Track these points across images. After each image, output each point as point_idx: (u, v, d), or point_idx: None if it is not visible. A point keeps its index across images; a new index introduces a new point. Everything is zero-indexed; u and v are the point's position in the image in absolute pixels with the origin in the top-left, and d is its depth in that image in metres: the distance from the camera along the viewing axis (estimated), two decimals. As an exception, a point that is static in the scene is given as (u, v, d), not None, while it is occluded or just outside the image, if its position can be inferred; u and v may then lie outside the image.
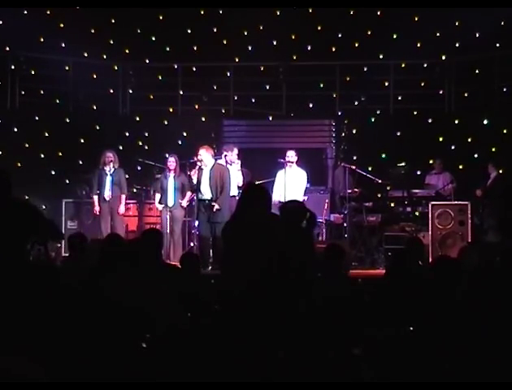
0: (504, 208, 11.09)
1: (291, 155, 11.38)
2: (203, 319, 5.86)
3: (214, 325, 5.66)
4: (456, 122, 13.60)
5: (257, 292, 5.28)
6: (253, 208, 5.65)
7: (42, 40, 13.81)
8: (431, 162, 12.85)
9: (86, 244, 7.18)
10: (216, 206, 10.32)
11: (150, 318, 5.33)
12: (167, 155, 11.62)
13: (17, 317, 4.79)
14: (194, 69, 14.42)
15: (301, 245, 6.40)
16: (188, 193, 11.28)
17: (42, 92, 13.81)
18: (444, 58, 13.99)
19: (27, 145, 13.40)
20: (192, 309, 5.94)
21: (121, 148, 13.05)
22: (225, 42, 14.51)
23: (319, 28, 14.36)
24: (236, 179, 11.14)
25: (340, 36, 14.46)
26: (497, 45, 13.60)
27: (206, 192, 10.59)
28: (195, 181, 10.65)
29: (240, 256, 5.57)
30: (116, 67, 14.31)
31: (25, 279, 5.13)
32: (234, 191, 10.99)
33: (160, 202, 11.31)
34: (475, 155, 13.21)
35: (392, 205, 12.23)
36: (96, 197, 11.39)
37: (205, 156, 10.62)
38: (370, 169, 12.49)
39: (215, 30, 14.51)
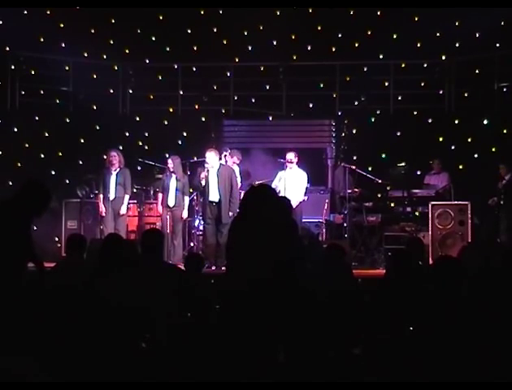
0: None
1: (290, 157, 11.39)
2: (205, 319, 5.86)
3: (215, 325, 5.66)
4: (456, 122, 13.59)
5: (259, 292, 5.27)
6: (263, 208, 5.60)
7: (42, 40, 13.80)
8: (431, 162, 12.85)
9: (85, 244, 7.18)
10: (231, 214, 10.38)
11: (150, 318, 5.33)
12: (167, 155, 11.67)
13: (18, 317, 4.80)
14: (194, 69, 14.42)
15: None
16: (186, 199, 11.24)
17: (42, 92, 13.81)
18: (444, 58, 13.98)
19: (27, 145, 13.39)
20: (193, 309, 5.94)
21: (121, 148, 13.03)
22: (225, 42, 14.50)
23: (319, 28, 14.35)
24: None
25: (340, 36, 14.45)
26: (497, 45, 13.59)
27: (214, 195, 10.63)
28: (204, 183, 10.67)
29: (245, 255, 5.53)
30: (116, 67, 14.30)
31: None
32: None
33: (162, 203, 11.27)
34: (475, 155, 13.21)
35: (392, 205, 12.24)
36: (101, 197, 11.30)
37: (211, 159, 10.67)
38: (370, 169, 12.50)
39: (215, 30, 14.50)
